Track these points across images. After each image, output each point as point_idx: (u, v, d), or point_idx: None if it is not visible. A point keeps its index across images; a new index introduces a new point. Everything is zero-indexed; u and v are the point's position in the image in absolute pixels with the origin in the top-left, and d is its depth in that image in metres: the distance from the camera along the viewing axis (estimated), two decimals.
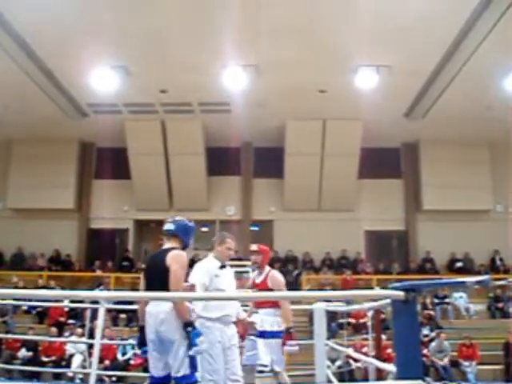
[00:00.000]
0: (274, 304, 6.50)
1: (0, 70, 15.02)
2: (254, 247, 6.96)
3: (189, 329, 4.95)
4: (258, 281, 6.78)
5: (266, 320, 6.50)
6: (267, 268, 6.89)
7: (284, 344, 6.42)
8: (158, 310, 5.04)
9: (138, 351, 13.39)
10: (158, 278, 5.10)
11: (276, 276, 6.82)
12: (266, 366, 6.44)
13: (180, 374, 4.98)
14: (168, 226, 5.49)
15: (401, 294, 3.42)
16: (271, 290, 6.59)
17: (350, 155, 19.64)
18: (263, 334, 6.46)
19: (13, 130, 19.64)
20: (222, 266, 5.92)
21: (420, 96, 16.88)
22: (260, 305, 6.57)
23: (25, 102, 17.23)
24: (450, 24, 13.07)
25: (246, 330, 6.61)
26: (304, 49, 14.22)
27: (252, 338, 6.59)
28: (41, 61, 15.02)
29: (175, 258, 5.16)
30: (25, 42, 14.05)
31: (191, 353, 4.97)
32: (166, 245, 5.44)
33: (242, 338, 6.64)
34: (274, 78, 15.66)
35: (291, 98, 16.93)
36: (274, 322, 6.57)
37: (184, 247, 5.44)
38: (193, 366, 5.04)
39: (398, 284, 3.48)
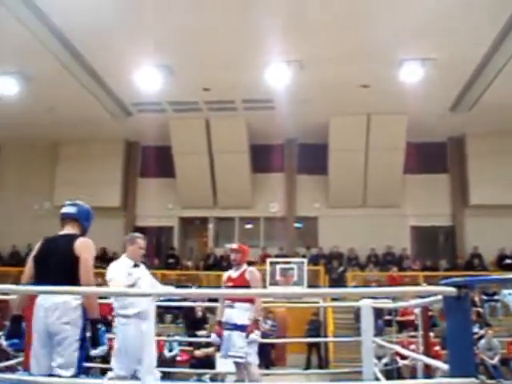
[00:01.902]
0: (250, 299, 6.64)
1: (46, 72, 15.32)
2: (234, 246, 7.21)
3: (99, 326, 4.54)
4: (234, 276, 6.95)
5: (243, 313, 6.64)
6: (244, 265, 7.02)
7: (251, 332, 6.55)
8: (51, 302, 4.51)
9: (184, 347, 13.37)
10: (61, 267, 4.59)
11: (254, 271, 7.00)
12: (241, 357, 6.55)
13: (68, 374, 4.43)
14: (68, 210, 4.99)
15: (453, 290, 3.35)
16: (248, 284, 6.76)
17: (395, 150, 19.40)
18: (240, 327, 6.61)
19: (59, 131, 20.02)
20: (135, 265, 6.14)
21: (466, 88, 16.56)
22: (236, 299, 6.71)
23: (70, 103, 17.52)
24: (496, 13, 12.76)
25: (222, 328, 6.82)
26: (347, 43, 14.08)
27: (228, 331, 6.73)
28: (86, 61, 15.26)
29: (85, 247, 4.68)
30: (70, 43, 14.28)
31: (95, 352, 4.56)
32: (65, 230, 4.94)
33: (220, 336, 6.85)
34: (318, 73, 15.56)
35: (335, 93, 16.80)
36: (249, 315, 6.70)
37: (83, 234, 4.95)
38: (79, 366, 4.53)
39: (449, 280, 3.41)
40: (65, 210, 5.01)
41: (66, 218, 4.98)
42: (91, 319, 4.55)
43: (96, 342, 4.55)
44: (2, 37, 13.61)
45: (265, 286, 17.32)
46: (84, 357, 4.62)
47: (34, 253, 4.84)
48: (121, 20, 13.20)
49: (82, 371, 4.61)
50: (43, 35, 13.67)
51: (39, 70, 15.35)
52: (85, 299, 4.57)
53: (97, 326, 4.54)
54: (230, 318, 6.72)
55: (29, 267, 4.77)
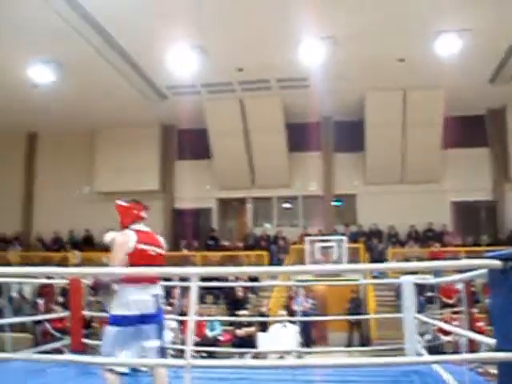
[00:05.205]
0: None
1: (80, 58, 15.44)
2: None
3: None
4: None
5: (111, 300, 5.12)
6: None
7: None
8: None
9: (227, 328, 13.51)
10: None
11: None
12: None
13: None
14: None
15: (498, 263, 3.27)
16: None
17: (432, 125, 19.07)
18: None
19: (96, 118, 20.26)
20: None
21: (506, 59, 16.15)
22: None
23: (105, 89, 17.64)
24: None
25: None
26: (381, 17, 13.84)
27: None
28: (119, 46, 15.31)
29: None
30: (103, 28, 14.34)
31: None
32: None
33: None
34: (352, 49, 15.35)
35: (370, 68, 16.58)
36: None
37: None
38: None
39: (494, 253, 3.33)
40: None
41: None
42: None
43: None
44: (36, 26, 13.74)
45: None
46: None
47: None
48: (152, 2, 13.19)
49: None
50: (75, 21, 13.72)
51: (73, 57, 15.43)
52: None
53: None
54: None
55: None
